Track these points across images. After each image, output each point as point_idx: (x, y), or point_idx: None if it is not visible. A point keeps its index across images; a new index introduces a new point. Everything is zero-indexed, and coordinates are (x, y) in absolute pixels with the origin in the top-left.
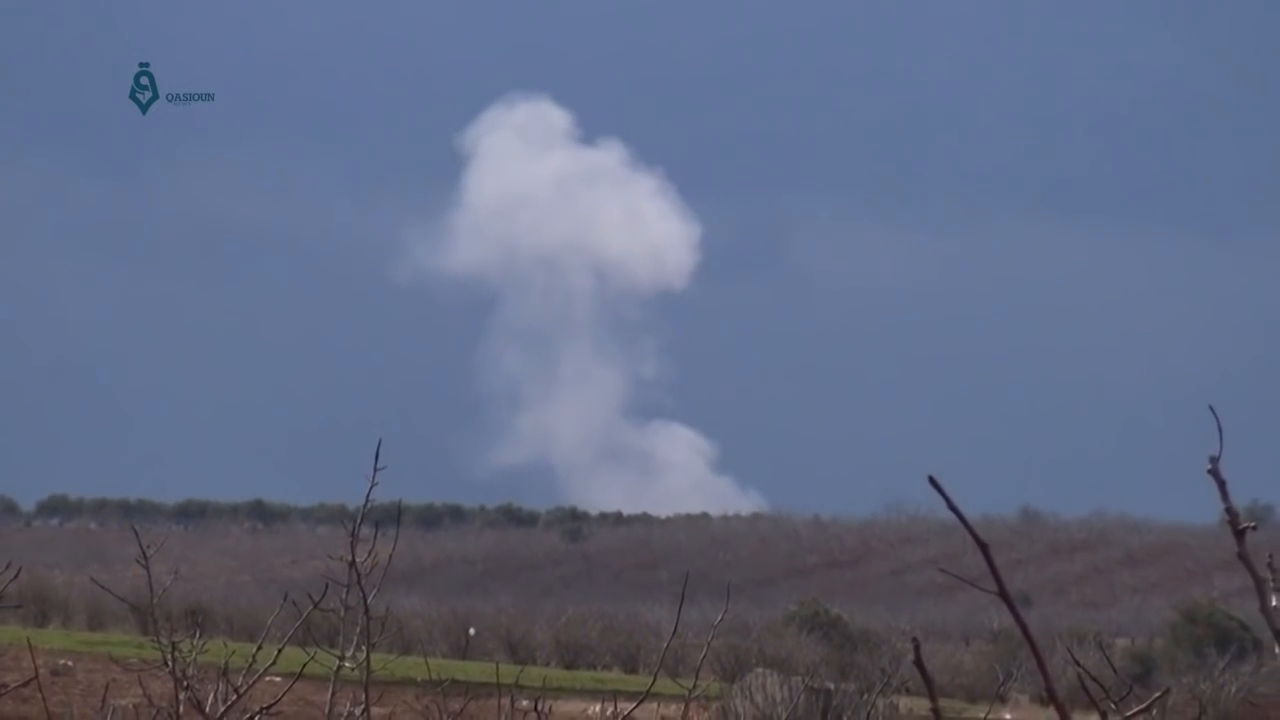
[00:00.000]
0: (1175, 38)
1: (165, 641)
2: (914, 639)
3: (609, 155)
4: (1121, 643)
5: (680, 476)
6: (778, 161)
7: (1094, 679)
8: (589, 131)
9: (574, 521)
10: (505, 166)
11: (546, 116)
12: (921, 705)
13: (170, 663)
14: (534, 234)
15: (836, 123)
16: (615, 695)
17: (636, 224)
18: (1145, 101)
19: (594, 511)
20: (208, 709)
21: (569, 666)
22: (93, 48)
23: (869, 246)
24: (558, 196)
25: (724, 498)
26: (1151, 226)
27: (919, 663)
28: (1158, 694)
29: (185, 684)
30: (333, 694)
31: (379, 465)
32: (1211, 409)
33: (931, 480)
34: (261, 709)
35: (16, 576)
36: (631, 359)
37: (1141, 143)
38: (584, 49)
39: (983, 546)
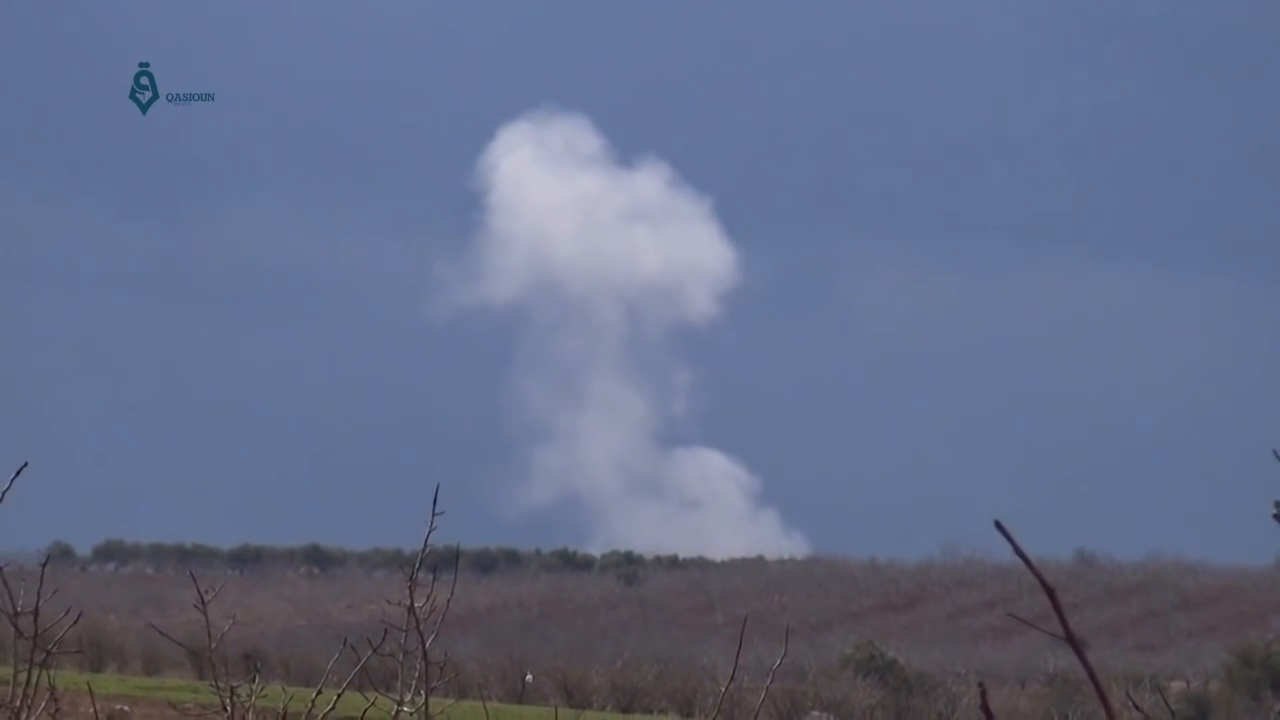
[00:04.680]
0: (1228, 83)
1: (223, 686)
2: (980, 684)
3: (649, 183)
4: (1177, 686)
5: (722, 513)
6: (820, 197)
7: None
8: (627, 157)
9: (629, 565)
10: (538, 193)
11: (581, 141)
12: None
13: (228, 707)
14: (569, 263)
15: (879, 160)
16: None
17: (679, 253)
18: (1199, 146)
19: (649, 555)
20: None
21: (625, 710)
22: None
23: (914, 284)
24: (593, 224)
25: (768, 538)
26: (1207, 268)
27: (985, 708)
28: None
29: None
30: None
31: (438, 510)
32: (1276, 453)
33: (998, 525)
34: None
35: (76, 622)
36: (667, 392)
37: (1192, 185)
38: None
39: (1049, 591)
